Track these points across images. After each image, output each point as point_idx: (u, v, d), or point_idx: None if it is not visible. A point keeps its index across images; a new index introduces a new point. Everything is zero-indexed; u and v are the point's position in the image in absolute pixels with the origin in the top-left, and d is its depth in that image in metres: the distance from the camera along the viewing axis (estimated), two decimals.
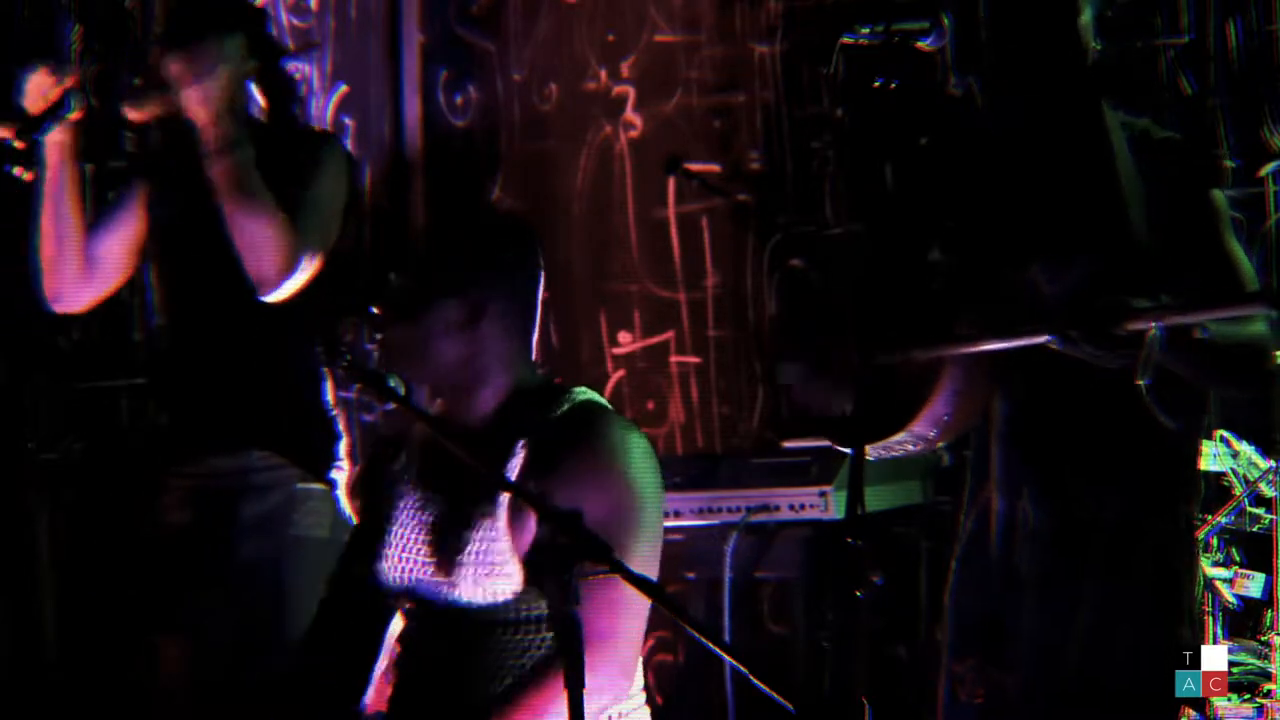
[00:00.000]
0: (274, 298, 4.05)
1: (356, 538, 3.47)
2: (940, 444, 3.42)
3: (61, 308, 4.29)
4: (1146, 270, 3.18)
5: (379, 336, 3.26)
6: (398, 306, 3.26)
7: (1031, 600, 3.33)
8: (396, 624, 3.41)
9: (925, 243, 3.48)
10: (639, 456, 3.20)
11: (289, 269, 4.03)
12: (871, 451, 3.40)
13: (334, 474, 4.24)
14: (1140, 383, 3.02)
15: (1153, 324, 2.98)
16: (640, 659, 3.26)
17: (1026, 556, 3.35)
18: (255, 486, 4.16)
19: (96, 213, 4.30)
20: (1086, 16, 3.31)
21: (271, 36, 4.42)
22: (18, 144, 3.87)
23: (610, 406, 3.34)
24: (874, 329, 3.28)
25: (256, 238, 3.99)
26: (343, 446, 4.30)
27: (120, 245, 4.28)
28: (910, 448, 3.41)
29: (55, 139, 4.03)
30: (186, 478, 4.22)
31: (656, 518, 3.22)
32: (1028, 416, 3.36)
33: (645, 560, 3.08)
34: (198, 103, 4.00)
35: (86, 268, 4.24)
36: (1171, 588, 3.31)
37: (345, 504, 4.19)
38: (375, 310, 3.25)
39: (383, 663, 3.43)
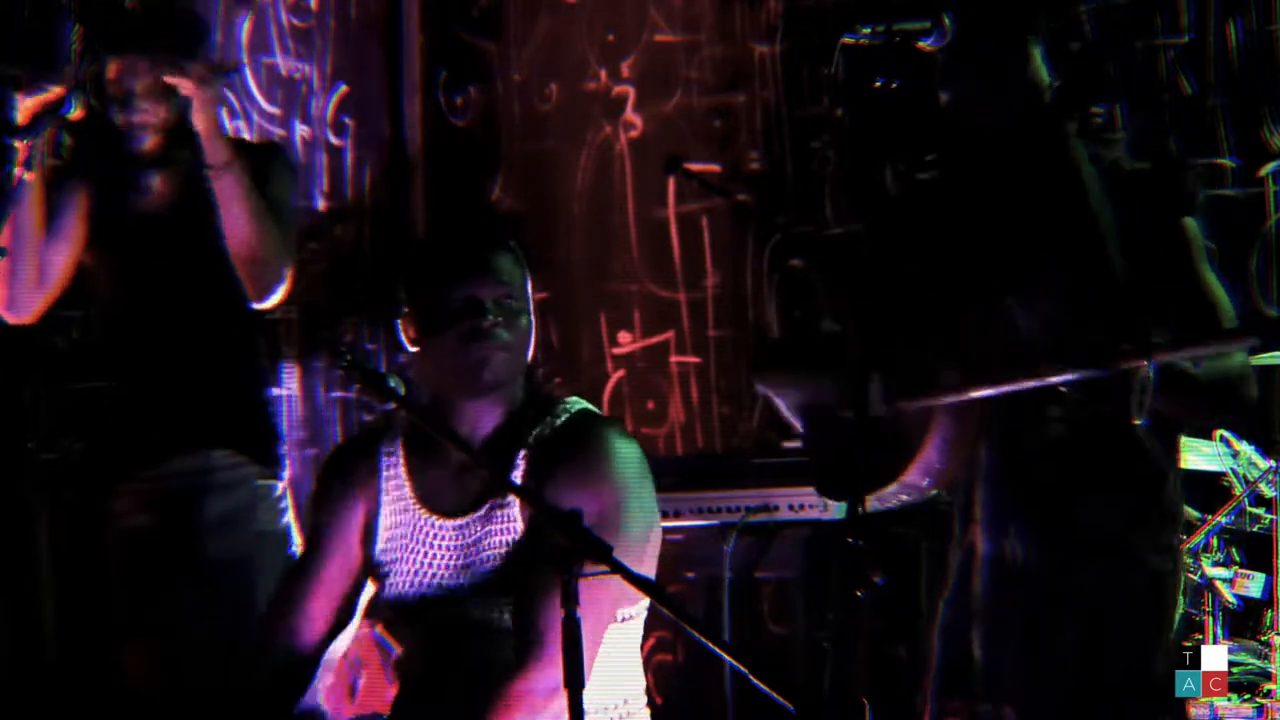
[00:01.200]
0: (269, 304, 4.07)
1: (305, 564, 3.41)
2: (932, 492, 3.42)
3: (15, 317, 4.26)
4: (1121, 300, 3.19)
5: (498, 337, 3.24)
6: (513, 310, 3.28)
7: (1019, 638, 3.34)
8: (348, 632, 3.40)
9: (903, 284, 3.49)
10: (629, 463, 3.23)
11: (280, 276, 4.07)
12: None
13: (283, 470, 4.28)
14: (1136, 423, 3.06)
15: (1145, 363, 3.00)
16: (630, 660, 3.31)
17: (1014, 597, 3.36)
18: (218, 485, 4.17)
19: (57, 211, 4.28)
20: (1037, 58, 3.33)
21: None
22: (17, 144, 3.87)
23: (603, 415, 3.35)
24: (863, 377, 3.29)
25: (258, 245, 4.01)
26: (284, 445, 4.35)
27: (69, 250, 4.26)
28: (904, 498, 3.43)
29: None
30: (142, 483, 4.22)
31: (644, 523, 3.24)
32: (1013, 455, 3.36)
33: (629, 564, 3.08)
34: (201, 112, 4.01)
35: (38, 276, 4.21)
36: (1155, 623, 3.32)
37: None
38: (491, 316, 3.23)
39: (371, 656, 3.43)
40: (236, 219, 4.02)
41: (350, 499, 3.37)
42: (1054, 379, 3.13)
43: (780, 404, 3.64)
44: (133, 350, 4.27)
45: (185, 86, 4.05)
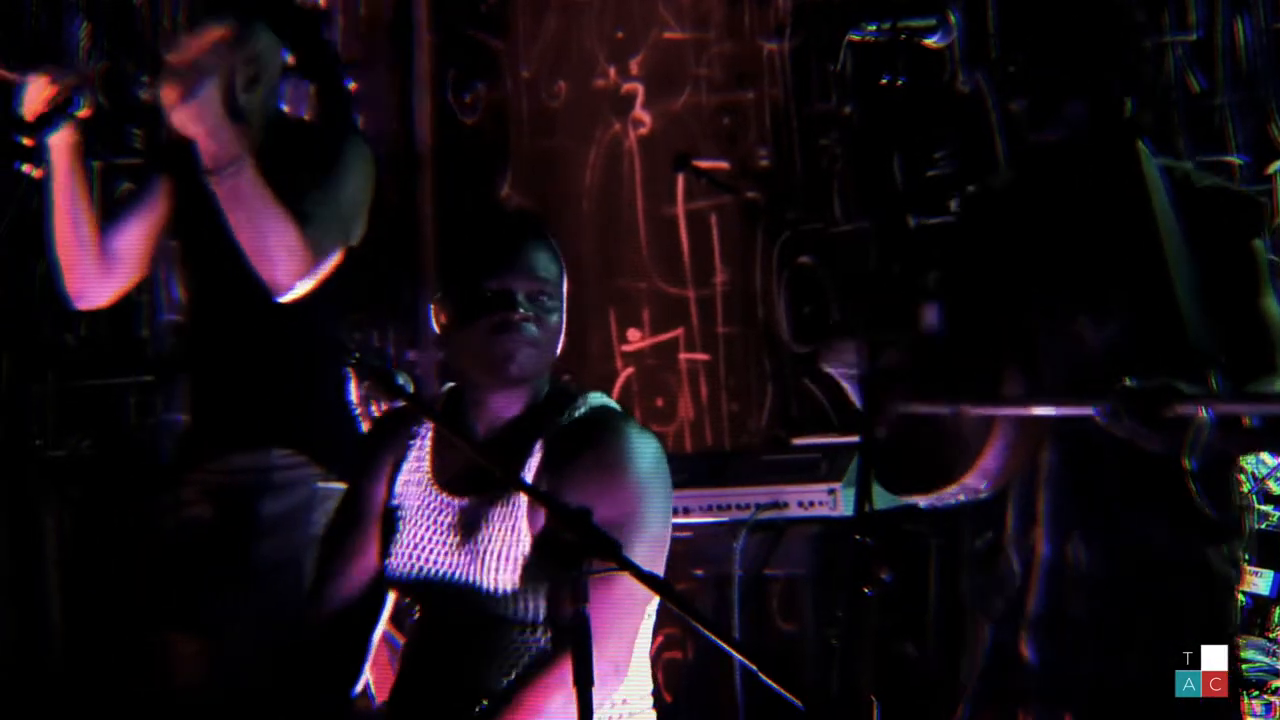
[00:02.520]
0: (287, 299, 4.04)
1: (347, 522, 3.47)
2: (986, 494, 3.43)
3: (85, 305, 4.28)
4: (1182, 325, 3.19)
5: (526, 331, 3.25)
6: (545, 307, 3.29)
7: (1081, 644, 3.34)
8: (387, 614, 3.43)
9: (973, 294, 3.51)
10: (649, 460, 3.24)
11: (300, 272, 4.00)
12: (923, 502, 3.44)
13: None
14: (1186, 465, 3.06)
15: (1201, 409, 3.00)
16: (636, 658, 3.29)
17: (1077, 601, 3.36)
18: (275, 485, 4.15)
19: (105, 209, 4.28)
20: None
21: (303, 24, 4.39)
22: (26, 141, 3.87)
23: (622, 410, 3.36)
24: (925, 381, 3.31)
25: (263, 246, 3.96)
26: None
27: (138, 239, 4.27)
28: (961, 499, 3.43)
29: (63, 140, 3.99)
30: (207, 474, 4.22)
31: (662, 521, 3.25)
32: (1078, 461, 3.37)
33: (649, 562, 3.09)
34: (188, 122, 3.94)
35: (105, 264, 4.21)
36: (1220, 622, 3.32)
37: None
38: (522, 309, 3.25)
39: (374, 652, 3.44)
40: (239, 224, 3.97)
41: (381, 458, 3.44)
42: (1091, 411, 3.14)
43: (847, 385, 3.62)
44: (205, 341, 4.28)
45: (167, 96, 3.95)
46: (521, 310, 3.23)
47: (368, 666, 3.42)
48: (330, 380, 4.30)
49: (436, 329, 3.37)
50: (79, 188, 4.10)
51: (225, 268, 4.14)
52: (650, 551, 3.14)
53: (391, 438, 3.45)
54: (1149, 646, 3.29)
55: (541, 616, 3.19)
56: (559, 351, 3.35)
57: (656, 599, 3.27)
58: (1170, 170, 3.35)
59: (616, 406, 3.37)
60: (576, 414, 3.29)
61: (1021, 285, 3.44)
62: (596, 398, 3.35)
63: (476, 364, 3.28)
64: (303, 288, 4.04)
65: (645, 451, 3.24)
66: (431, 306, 3.38)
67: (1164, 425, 3.03)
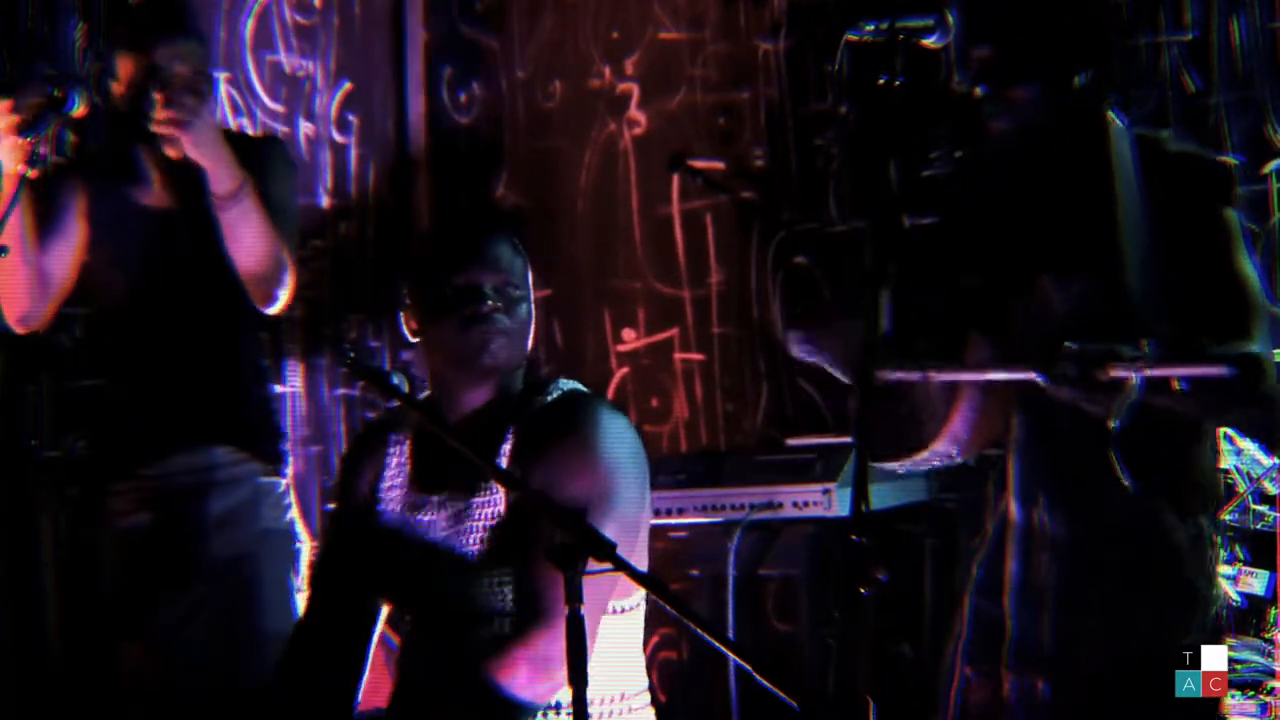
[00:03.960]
0: (275, 309, 4.06)
1: (340, 539, 3.48)
2: (964, 457, 3.45)
3: (26, 327, 4.21)
4: (1139, 292, 3.20)
5: (497, 321, 3.27)
6: (512, 298, 3.31)
7: (1049, 607, 3.35)
8: (381, 626, 3.44)
9: (939, 261, 3.52)
10: (619, 440, 3.27)
11: (285, 283, 4.05)
12: (899, 466, 3.46)
13: (286, 467, 4.27)
14: (1110, 426, 3.07)
15: (1132, 374, 3.01)
16: (630, 658, 3.33)
17: (1043, 565, 3.37)
18: (220, 482, 4.16)
19: (55, 214, 4.24)
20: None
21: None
22: (21, 142, 3.85)
23: (594, 394, 3.37)
24: (890, 346, 3.31)
25: (265, 264, 3.99)
26: (287, 442, 4.33)
27: (69, 253, 4.19)
28: (936, 463, 3.46)
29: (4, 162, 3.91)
30: (145, 480, 4.20)
31: (634, 501, 3.26)
32: (1044, 427, 3.38)
33: (621, 543, 3.07)
34: (192, 150, 3.91)
35: (42, 284, 4.15)
36: (1186, 595, 3.32)
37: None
38: (490, 301, 3.27)
39: (374, 653, 3.45)
40: (245, 246, 3.97)
41: (362, 469, 3.46)
42: (1032, 375, 3.15)
43: (822, 360, 3.64)
44: (133, 347, 4.25)
45: (168, 130, 3.93)
46: (490, 302, 3.26)
47: (364, 682, 3.42)
48: (258, 377, 4.31)
49: (407, 334, 3.39)
50: (25, 211, 4.01)
51: (156, 269, 4.13)
52: (622, 532, 3.11)
53: (370, 454, 3.47)
54: (1106, 612, 3.30)
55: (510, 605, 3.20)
56: (530, 344, 3.37)
57: (639, 592, 3.28)
58: (1142, 138, 3.35)
59: (588, 390, 3.39)
60: (548, 399, 3.32)
61: (989, 248, 3.45)
62: (567, 383, 3.38)
63: (449, 359, 3.32)
64: (286, 296, 4.07)
65: (615, 432, 3.26)
66: (401, 314, 3.40)
67: (1101, 388, 3.04)
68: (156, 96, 3.89)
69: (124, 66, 4.13)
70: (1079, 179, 3.34)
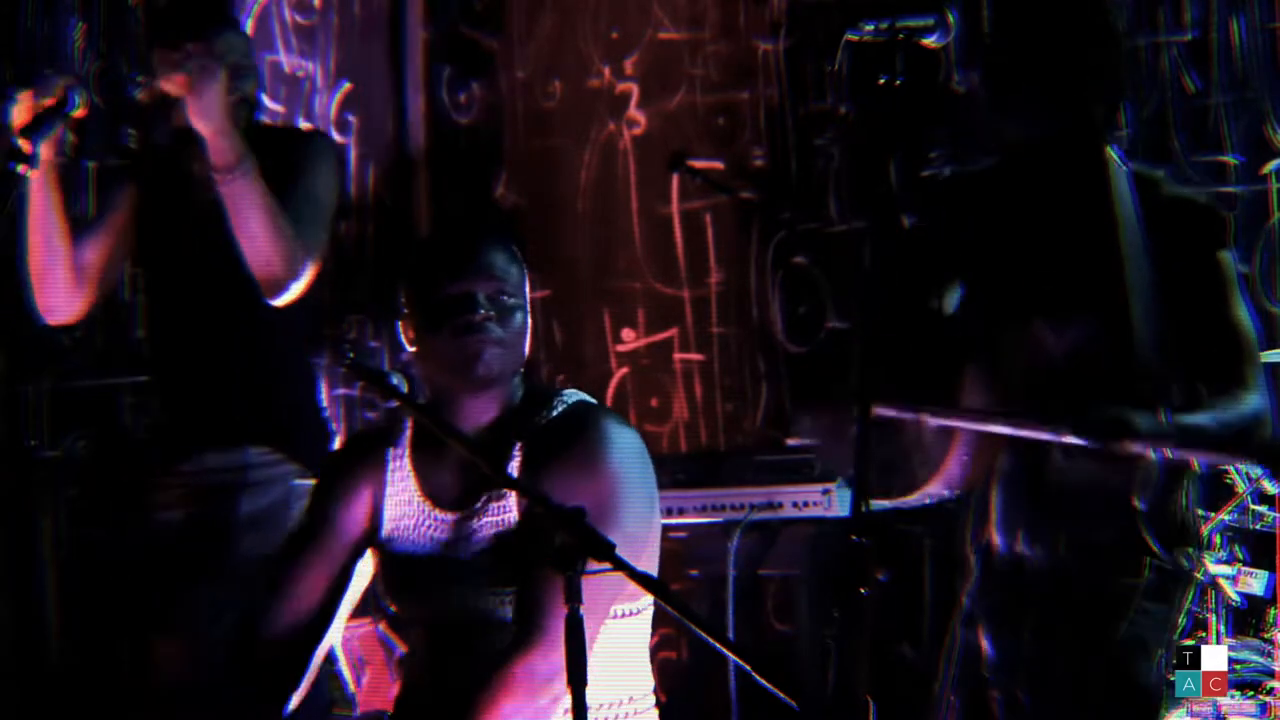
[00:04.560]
0: (282, 301, 4.05)
1: (305, 542, 3.43)
2: (951, 497, 3.48)
3: (55, 320, 4.26)
4: (1143, 337, 3.22)
5: (490, 330, 3.26)
6: (507, 306, 3.29)
7: (1029, 636, 3.38)
8: (339, 623, 3.42)
9: (931, 296, 3.53)
10: (626, 453, 3.24)
11: (297, 274, 4.02)
12: (888, 505, 3.50)
13: None
14: (1136, 505, 3.10)
15: (1152, 454, 3.06)
16: (635, 659, 3.30)
17: (1024, 595, 3.40)
18: (252, 482, 4.16)
19: (76, 220, 4.27)
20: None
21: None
22: (22, 143, 3.85)
23: (600, 405, 3.36)
24: (884, 387, 3.32)
25: (267, 248, 3.98)
26: (336, 443, 4.30)
27: (107, 251, 4.26)
28: (927, 502, 3.48)
29: (39, 157, 3.95)
30: (183, 475, 4.22)
31: (642, 514, 3.24)
32: (1030, 466, 3.40)
33: (627, 555, 3.08)
34: (196, 118, 3.95)
35: (76, 278, 4.21)
36: (1157, 626, 3.35)
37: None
38: (483, 310, 3.25)
39: (375, 654, 3.43)
40: (243, 226, 3.97)
41: (357, 483, 3.40)
42: (1048, 435, 3.19)
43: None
44: (175, 344, 4.27)
45: (174, 86, 3.99)
46: (483, 311, 3.24)
47: (305, 686, 3.38)
48: (302, 379, 4.31)
49: (406, 344, 3.37)
50: (53, 204, 4.07)
51: (198, 269, 4.15)
52: (628, 544, 3.11)
53: (365, 466, 3.41)
54: (1079, 634, 3.33)
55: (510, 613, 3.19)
56: (527, 352, 3.35)
57: (646, 597, 3.27)
58: (1139, 177, 3.36)
59: (594, 401, 3.37)
60: (554, 412, 3.29)
61: (983, 286, 3.46)
62: (573, 394, 3.35)
63: (445, 369, 3.28)
64: (297, 289, 4.05)
65: (622, 444, 3.24)
66: (399, 324, 3.39)
67: (1116, 458, 3.09)
68: (169, 54, 3.91)
69: (158, 61, 4.17)
70: (1080, 220, 3.35)
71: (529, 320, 3.33)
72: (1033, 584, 3.39)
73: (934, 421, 3.33)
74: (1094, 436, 3.08)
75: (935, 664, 3.60)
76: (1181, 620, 3.40)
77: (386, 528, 3.35)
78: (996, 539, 3.45)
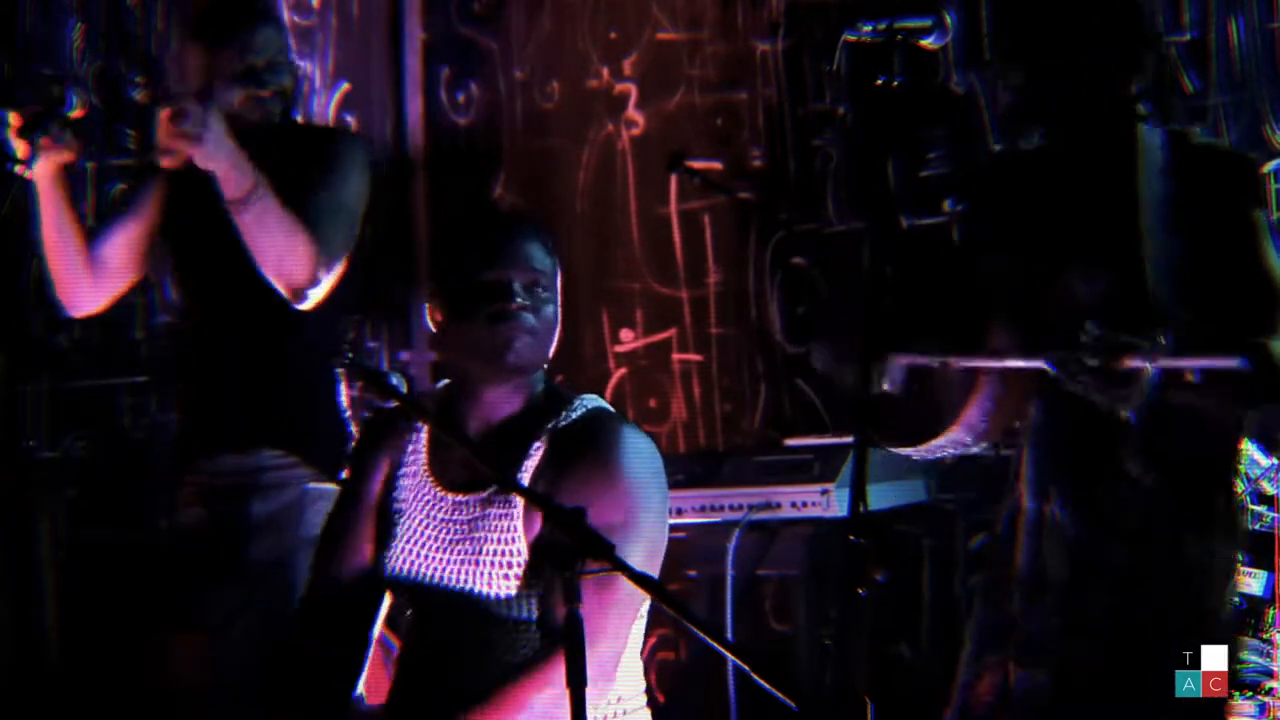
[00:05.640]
0: (304, 306, 4.04)
1: (343, 520, 3.47)
2: (974, 448, 3.46)
3: (79, 313, 4.29)
4: (1158, 290, 3.22)
5: (524, 319, 3.26)
6: (541, 298, 3.30)
7: (1055, 601, 3.37)
8: (383, 613, 3.43)
9: (966, 249, 3.54)
10: (645, 464, 3.26)
11: (315, 280, 4.01)
12: (913, 453, 3.47)
13: (343, 474, 4.23)
14: (1124, 418, 3.09)
15: (1148, 365, 3.04)
16: (627, 659, 3.29)
17: (1052, 559, 3.39)
18: (266, 485, 4.16)
19: (99, 212, 4.28)
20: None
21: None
22: (19, 144, 3.85)
23: (619, 413, 3.37)
24: (910, 331, 3.33)
25: (284, 262, 3.97)
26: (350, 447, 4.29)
27: (126, 245, 4.26)
28: (950, 451, 3.47)
29: (45, 150, 3.93)
30: (199, 476, 4.22)
31: (658, 524, 3.27)
32: (1059, 423, 3.39)
33: (644, 565, 3.10)
34: (205, 160, 3.87)
35: (94, 271, 4.22)
36: (1191, 599, 3.34)
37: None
38: (519, 299, 3.25)
39: (372, 652, 3.44)
40: (261, 246, 3.96)
41: (381, 451, 3.44)
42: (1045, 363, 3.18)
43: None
44: (198, 344, 4.27)
45: (177, 159, 3.91)
46: (518, 300, 3.25)
47: (367, 665, 3.42)
48: (321, 382, 4.30)
49: (431, 326, 3.38)
50: (64, 200, 4.08)
51: (218, 271, 4.14)
52: (646, 554, 3.16)
53: (387, 438, 3.44)
54: (1108, 610, 3.32)
55: (536, 618, 3.19)
56: (554, 346, 3.35)
57: (649, 600, 3.27)
58: (1171, 134, 3.38)
59: (612, 410, 3.38)
60: (574, 415, 3.30)
61: (1018, 235, 3.47)
62: (592, 399, 3.36)
63: (474, 356, 3.28)
64: (320, 293, 4.04)
65: (642, 455, 3.26)
66: (425, 304, 3.39)
67: (1116, 379, 3.07)
68: (162, 115, 3.87)
69: (193, 58, 4.16)
70: (1104, 175, 3.36)
71: (559, 316, 3.34)
72: (1063, 552, 3.38)
73: (957, 364, 3.33)
74: (1091, 354, 3.08)
75: (935, 663, 3.60)
76: (1229, 593, 3.40)
77: (393, 497, 3.37)
78: (1026, 499, 3.45)
